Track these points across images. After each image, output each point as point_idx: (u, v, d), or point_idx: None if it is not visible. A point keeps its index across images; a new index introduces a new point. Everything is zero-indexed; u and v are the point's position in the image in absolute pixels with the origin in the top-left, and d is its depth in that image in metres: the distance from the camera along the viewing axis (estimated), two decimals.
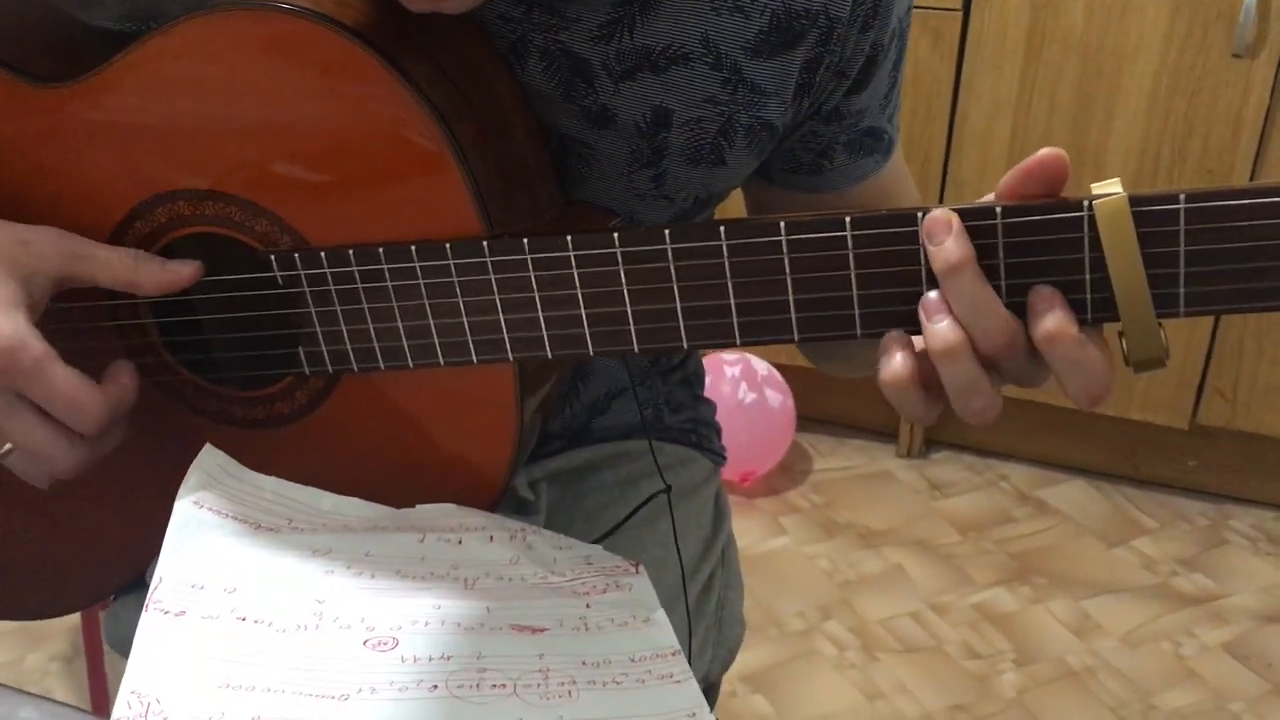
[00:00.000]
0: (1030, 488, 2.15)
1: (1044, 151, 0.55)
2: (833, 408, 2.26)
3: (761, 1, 0.66)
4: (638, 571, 0.64)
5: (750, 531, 2.02)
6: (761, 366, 2.06)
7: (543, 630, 0.57)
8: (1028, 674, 1.73)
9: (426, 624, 0.56)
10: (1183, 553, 1.99)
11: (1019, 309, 0.56)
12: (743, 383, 2.03)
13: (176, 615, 0.54)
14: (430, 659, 0.54)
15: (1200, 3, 1.75)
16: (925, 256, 0.56)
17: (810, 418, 2.24)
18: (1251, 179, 1.81)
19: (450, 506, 0.66)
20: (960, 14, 1.88)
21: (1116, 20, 1.80)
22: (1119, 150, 1.87)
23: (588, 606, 0.60)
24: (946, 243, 0.54)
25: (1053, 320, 0.54)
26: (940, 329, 0.54)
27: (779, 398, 2.06)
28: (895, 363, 0.55)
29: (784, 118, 0.70)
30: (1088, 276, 0.55)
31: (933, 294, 0.55)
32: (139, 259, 0.64)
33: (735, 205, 0.81)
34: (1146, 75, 1.81)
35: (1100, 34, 1.82)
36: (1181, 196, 0.53)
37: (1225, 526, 2.06)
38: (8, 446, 0.62)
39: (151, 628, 0.53)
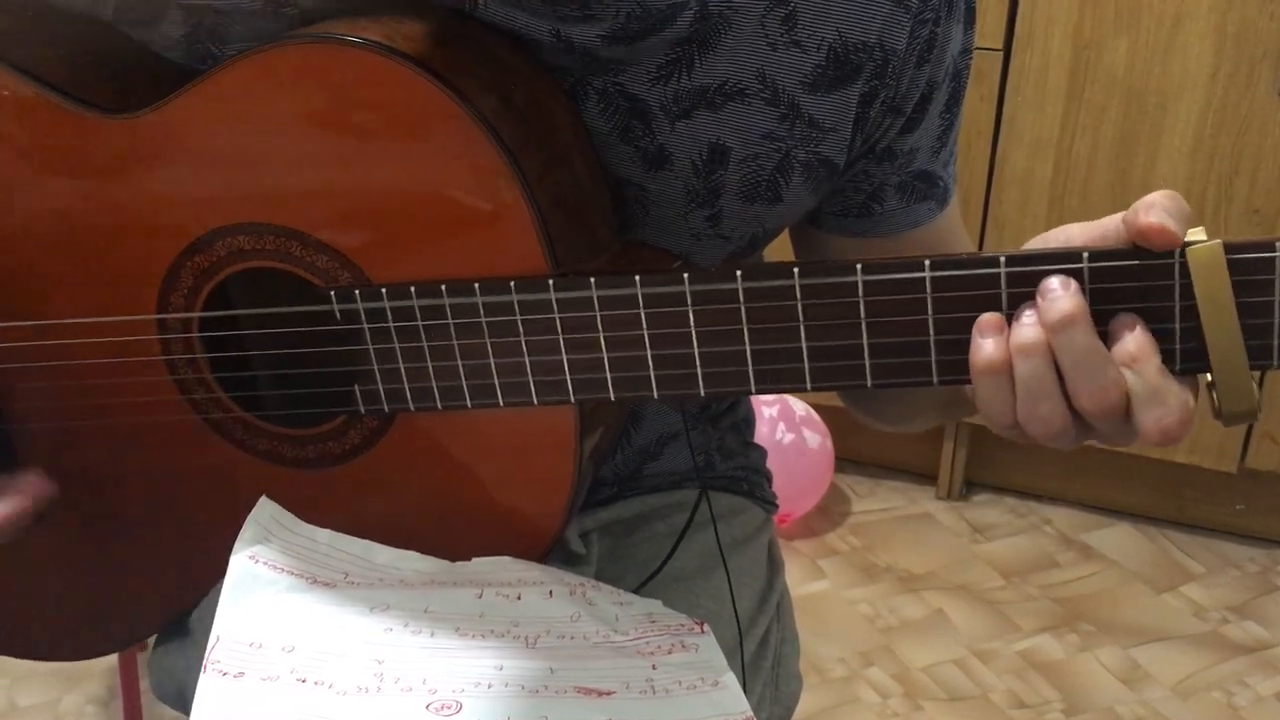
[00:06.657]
0: (1074, 531, 2.11)
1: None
2: (871, 448, 2.23)
3: (819, 35, 0.65)
4: (703, 631, 0.61)
5: (789, 574, 1.96)
6: (799, 407, 2.03)
7: (609, 693, 0.54)
8: None
9: (490, 686, 0.53)
10: (1233, 599, 1.95)
11: None
12: (780, 423, 2.00)
13: (235, 676, 0.52)
14: None
15: (1246, 41, 1.72)
16: (1006, 301, 0.54)
17: (848, 459, 2.21)
18: None
19: (507, 560, 0.64)
20: (1001, 53, 1.86)
21: (1160, 59, 1.78)
22: (1163, 190, 1.83)
23: (654, 668, 0.57)
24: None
25: (1134, 342, 0.53)
26: (1026, 325, 0.54)
27: (817, 438, 2.02)
28: (989, 346, 0.54)
29: (842, 155, 0.69)
30: (1177, 325, 0.54)
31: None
32: None
33: (781, 249, 0.77)
34: (1191, 114, 1.78)
35: (1144, 73, 1.79)
36: (1279, 244, 0.52)
37: (1275, 572, 2.01)
38: None
39: (211, 690, 0.51)
